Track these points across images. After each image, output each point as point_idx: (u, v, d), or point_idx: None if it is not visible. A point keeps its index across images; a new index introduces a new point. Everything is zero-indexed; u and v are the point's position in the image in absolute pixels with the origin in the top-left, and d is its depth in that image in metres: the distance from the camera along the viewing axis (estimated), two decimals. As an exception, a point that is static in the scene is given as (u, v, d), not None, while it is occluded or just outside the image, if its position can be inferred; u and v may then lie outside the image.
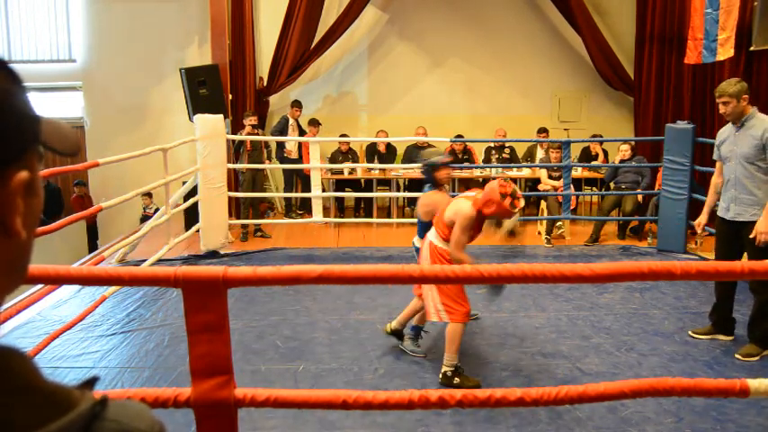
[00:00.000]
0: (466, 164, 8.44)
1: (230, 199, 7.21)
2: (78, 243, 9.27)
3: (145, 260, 5.74)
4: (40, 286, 4.13)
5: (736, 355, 4.07)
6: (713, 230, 4.60)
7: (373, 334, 4.45)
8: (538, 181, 7.70)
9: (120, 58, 9.18)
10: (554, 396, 1.93)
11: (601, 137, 8.18)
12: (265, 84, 8.98)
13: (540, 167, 7.71)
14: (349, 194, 8.69)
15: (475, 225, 3.62)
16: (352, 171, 8.48)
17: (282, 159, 8.42)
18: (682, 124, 6.49)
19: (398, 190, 8.33)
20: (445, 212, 3.69)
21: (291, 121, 8.46)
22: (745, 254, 4.12)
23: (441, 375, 3.72)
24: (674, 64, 8.16)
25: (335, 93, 9.61)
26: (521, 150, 8.70)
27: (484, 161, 8.61)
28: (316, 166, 7.50)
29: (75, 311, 4.65)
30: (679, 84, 8.13)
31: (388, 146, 8.53)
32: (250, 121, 7.27)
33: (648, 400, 3.34)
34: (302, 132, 8.44)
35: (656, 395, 2.01)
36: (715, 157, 4.37)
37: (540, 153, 8.27)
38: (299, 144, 8.33)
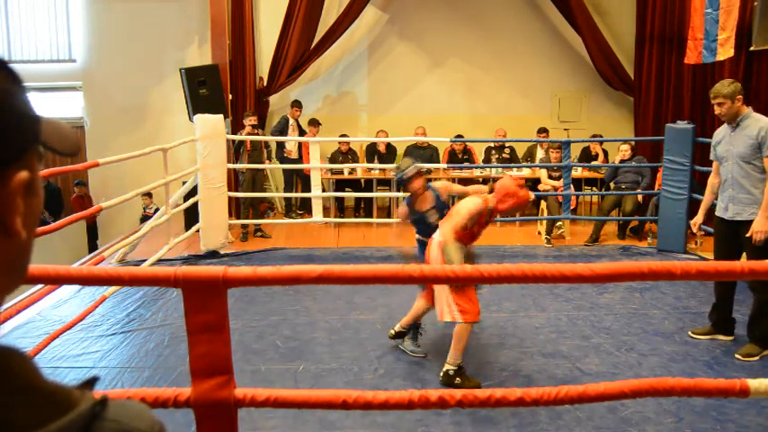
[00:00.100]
0: (466, 164, 8.45)
1: (230, 199, 7.21)
2: (78, 243, 9.27)
3: (145, 260, 5.74)
4: (40, 286, 4.13)
5: (736, 355, 4.07)
6: (710, 230, 4.61)
7: (373, 334, 4.45)
8: (538, 181, 7.70)
9: (120, 58, 9.18)
10: (554, 396, 1.93)
11: (601, 137, 8.18)
12: (265, 84, 8.98)
13: (540, 167, 7.71)
14: (349, 194, 8.69)
15: (480, 220, 3.68)
16: (352, 171, 8.48)
17: (282, 159, 8.42)
18: (682, 124, 6.49)
19: (399, 190, 8.32)
20: (455, 213, 3.72)
21: (291, 121, 8.46)
22: (744, 253, 4.14)
23: (442, 374, 3.70)
24: (674, 64, 8.16)
25: (335, 93, 9.61)
26: (521, 150, 8.71)
27: (484, 161, 8.61)
28: (316, 166, 7.50)
29: (75, 311, 4.65)
30: (679, 84, 8.13)
31: (388, 146, 8.53)
32: (250, 121, 7.27)
33: (648, 400, 3.34)
34: (302, 132, 8.44)
35: (656, 395, 2.01)
36: (712, 157, 4.39)
37: (540, 153, 8.27)
38: (299, 144, 8.33)
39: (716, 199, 4.35)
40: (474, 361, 4.00)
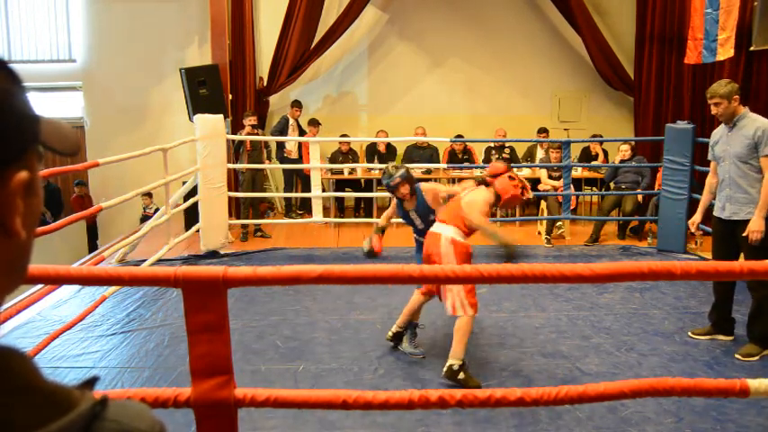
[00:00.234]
0: (466, 164, 8.45)
1: (230, 199, 7.21)
2: (78, 243, 9.27)
3: (145, 260, 5.74)
4: (40, 286, 4.13)
5: (736, 355, 4.07)
6: (709, 230, 4.62)
7: (373, 334, 4.45)
8: (538, 181, 7.70)
9: (120, 58, 9.18)
10: (554, 396, 1.93)
11: (601, 137, 8.18)
12: (265, 84, 8.98)
13: (540, 167, 7.71)
14: (349, 194, 8.69)
15: (489, 211, 3.93)
16: (352, 171, 8.48)
17: (282, 159, 8.43)
18: (682, 124, 6.49)
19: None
20: (463, 207, 3.82)
21: (291, 121, 8.46)
22: (742, 253, 4.15)
23: (446, 368, 3.64)
24: (674, 64, 8.16)
25: (335, 93, 9.61)
26: (521, 150, 8.70)
27: (484, 161, 8.59)
28: (316, 166, 7.50)
29: (75, 311, 4.65)
30: (679, 84, 8.13)
31: (388, 146, 8.53)
32: (250, 121, 7.28)
33: (648, 400, 3.34)
34: (302, 132, 8.44)
35: (656, 395, 2.01)
36: (709, 157, 4.41)
37: (540, 153, 8.27)
38: (299, 144, 8.33)
39: (714, 199, 4.36)
40: (474, 361, 3.99)
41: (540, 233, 7.47)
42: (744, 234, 3.99)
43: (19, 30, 9.56)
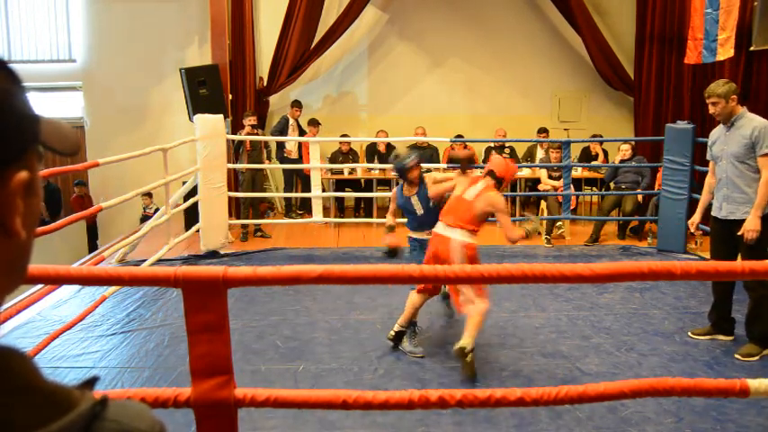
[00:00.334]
0: (466, 164, 8.44)
1: (230, 199, 7.21)
2: (78, 243, 9.27)
3: (145, 260, 5.74)
4: (40, 286, 4.13)
5: (736, 355, 4.07)
6: (708, 229, 4.62)
7: (373, 334, 4.45)
8: (538, 181, 7.70)
9: (120, 58, 9.18)
10: (554, 396, 1.93)
11: (601, 137, 8.18)
12: (265, 84, 8.98)
13: (540, 167, 7.71)
14: (349, 194, 8.69)
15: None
16: (353, 171, 8.48)
17: (282, 159, 8.43)
18: (682, 124, 6.49)
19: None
20: (475, 205, 3.90)
21: (291, 121, 8.46)
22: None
23: (458, 347, 3.70)
24: (674, 64, 8.16)
25: (335, 93, 9.61)
26: (521, 150, 8.70)
27: (484, 161, 8.60)
28: (316, 166, 7.50)
29: (75, 311, 4.65)
30: (679, 84, 8.13)
31: (388, 146, 8.53)
32: (249, 121, 7.28)
33: (648, 400, 3.34)
34: (302, 132, 8.44)
35: (656, 395, 2.01)
36: (708, 157, 4.42)
37: (540, 153, 8.27)
38: (299, 144, 8.33)
39: (713, 199, 4.36)
40: (474, 360, 3.99)
41: (540, 233, 7.47)
42: (739, 233, 4.00)
43: (19, 30, 9.56)
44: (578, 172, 8.22)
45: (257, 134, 7.46)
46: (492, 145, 8.62)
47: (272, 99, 9.12)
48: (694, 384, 1.99)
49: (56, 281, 2.47)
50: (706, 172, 4.61)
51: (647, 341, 4.34)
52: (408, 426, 3.19)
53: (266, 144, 7.77)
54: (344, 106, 9.62)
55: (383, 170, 8.22)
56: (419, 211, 4.29)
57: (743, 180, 4.06)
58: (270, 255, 6.72)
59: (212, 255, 6.56)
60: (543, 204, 7.60)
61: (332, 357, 4.08)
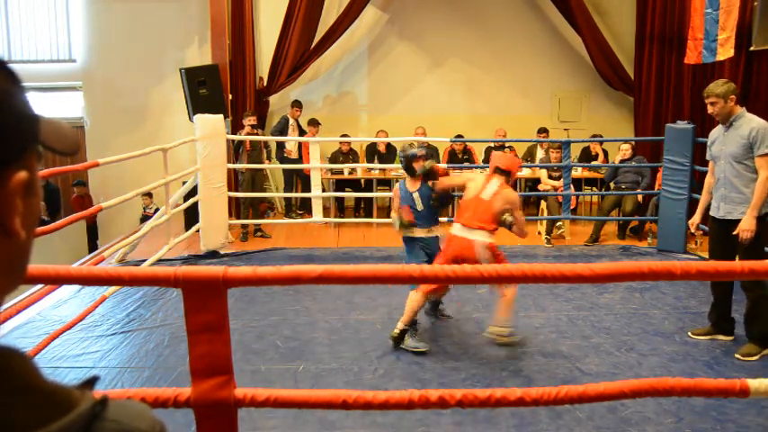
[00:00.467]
0: (466, 164, 8.45)
1: (230, 199, 7.21)
2: (78, 243, 9.27)
3: (145, 260, 5.74)
4: (40, 286, 4.13)
5: (736, 355, 4.07)
6: (708, 229, 4.63)
7: (373, 334, 4.45)
8: (538, 181, 7.70)
9: (120, 58, 9.18)
10: (554, 396, 1.93)
11: (601, 137, 8.18)
12: (265, 84, 8.98)
13: (540, 167, 7.71)
14: (349, 194, 8.69)
15: None
16: (353, 171, 8.48)
17: (282, 159, 8.43)
18: (682, 124, 6.49)
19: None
20: (494, 204, 4.03)
21: (291, 121, 8.46)
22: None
23: (495, 335, 4.09)
24: (674, 64, 8.16)
25: (335, 93, 9.61)
26: (521, 150, 8.70)
27: (484, 161, 8.59)
28: (316, 166, 7.50)
29: (75, 311, 4.65)
30: (679, 84, 8.13)
31: (388, 146, 8.53)
32: (249, 121, 7.27)
33: (648, 400, 3.34)
34: (302, 132, 8.44)
35: (656, 395, 2.01)
36: (708, 157, 4.43)
37: (540, 153, 8.27)
38: (299, 144, 8.33)
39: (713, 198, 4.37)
40: (474, 361, 4.00)
41: (540, 233, 7.47)
42: (734, 233, 4.01)
43: (19, 30, 9.55)
44: (578, 172, 8.21)
45: (257, 134, 7.45)
46: (492, 145, 8.62)
47: (272, 99, 9.12)
48: (694, 384, 1.99)
49: (56, 281, 2.46)
50: (706, 172, 4.61)
51: (647, 341, 4.34)
52: (408, 426, 3.19)
53: (266, 144, 7.77)
54: (344, 106, 9.62)
55: (383, 170, 8.22)
56: (419, 206, 4.34)
57: (740, 180, 4.06)
58: (270, 255, 6.72)
59: (212, 255, 6.56)
60: (543, 204, 7.60)
61: (332, 357, 4.07)
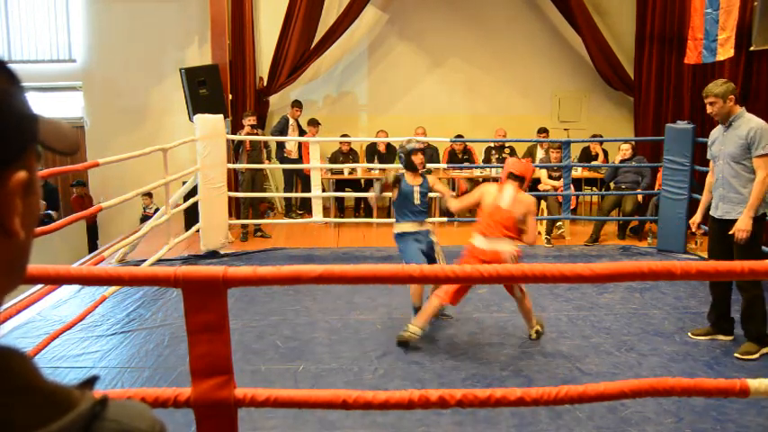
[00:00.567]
0: (466, 164, 8.45)
1: (230, 199, 7.21)
2: (78, 243, 9.26)
3: (145, 260, 5.74)
4: (40, 286, 4.13)
5: (736, 354, 4.07)
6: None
7: (373, 334, 4.45)
8: (538, 181, 7.69)
9: (120, 58, 9.18)
10: (554, 396, 1.93)
11: (601, 137, 8.18)
12: (265, 84, 8.98)
13: (540, 167, 7.71)
14: (349, 194, 8.69)
15: None
16: (353, 171, 8.48)
17: (282, 159, 8.42)
18: (682, 124, 6.49)
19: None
20: (513, 211, 4.06)
21: (291, 121, 8.46)
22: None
23: (534, 333, 4.29)
24: (674, 64, 8.15)
25: (335, 93, 9.61)
26: (521, 150, 8.69)
27: (484, 161, 8.60)
28: (316, 166, 7.50)
29: (75, 311, 4.65)
30: (679, 84, 8.13)
31: (388, 146, 8.52)
32: (249, 121, 7.27)
33: (648, 400, 3.34)
34: (302, 132, 8.44)
35: (656, 395, 2.01)
36: (708, 156, 4.44)
37: (540, 153, 8.26)
38: (299, 144, 8.33)
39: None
40: (474, 360, 4.00)
41: (540, 233, 7.47)
42: (730, 233, 4.01)
43: (19, 30, 9.55)
44: (578, 172, 8.21)
45: (257, 134, 7.45)
46: (492, 145, 8.62)
47: (272, 99, 9.12)
48: (694, 384, 1.99)
49: (56, 281, 2.46)
50: (706, 172, 4.62)
51: (647, 341, 4.34)
52: (408, 426, 3.19)
53: (266, 144, 7.77)
54: (344, 106, 9.62)
55: (383, 170, 8.22)
56: (416, 201, 4.43)
57: (739, 180, 4.07)
58: (270, 255, 6.72)
59: (212, 255, 6.56)
60: (543, 204, 7.60)
61: (332, 357, 4.08)
